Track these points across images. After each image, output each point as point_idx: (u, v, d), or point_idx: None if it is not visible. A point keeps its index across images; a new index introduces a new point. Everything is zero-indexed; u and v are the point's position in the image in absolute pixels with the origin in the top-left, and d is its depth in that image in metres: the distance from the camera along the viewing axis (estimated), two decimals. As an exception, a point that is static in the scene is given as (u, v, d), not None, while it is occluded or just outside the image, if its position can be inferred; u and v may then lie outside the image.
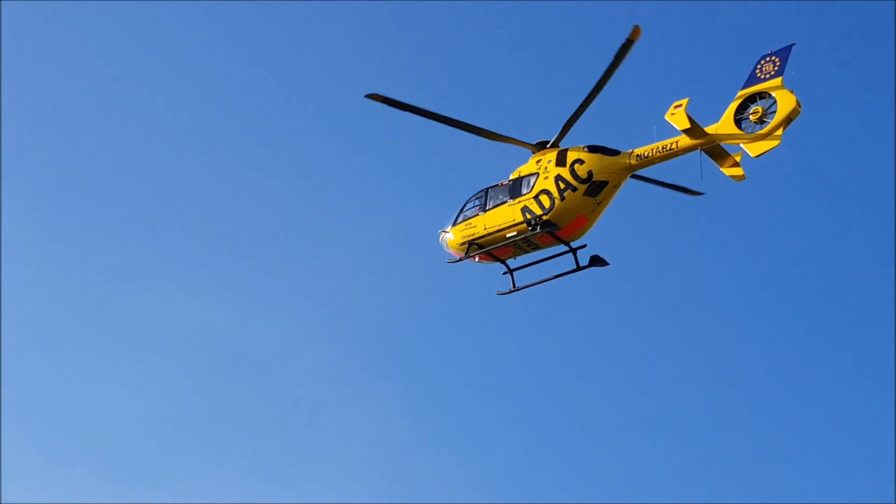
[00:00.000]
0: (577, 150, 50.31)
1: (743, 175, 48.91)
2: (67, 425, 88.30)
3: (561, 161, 50.36)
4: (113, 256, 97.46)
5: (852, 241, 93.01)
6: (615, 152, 49.85)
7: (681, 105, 47.38)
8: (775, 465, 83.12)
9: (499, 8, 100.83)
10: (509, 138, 51.69)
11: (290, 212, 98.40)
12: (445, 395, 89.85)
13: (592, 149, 50.16)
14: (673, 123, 47.39)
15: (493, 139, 51.61)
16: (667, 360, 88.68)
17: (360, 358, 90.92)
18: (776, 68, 47.20)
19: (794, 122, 46.91)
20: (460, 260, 52.26)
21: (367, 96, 50.25)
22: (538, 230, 49.88)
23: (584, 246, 51.14)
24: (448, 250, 53.27)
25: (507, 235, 50.97)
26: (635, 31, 45.72)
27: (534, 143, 51.73)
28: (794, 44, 47.40)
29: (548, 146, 51.18)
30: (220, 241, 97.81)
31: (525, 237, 50.56)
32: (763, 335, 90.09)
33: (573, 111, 49.32)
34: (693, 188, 52.36)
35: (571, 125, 49.97)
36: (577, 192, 49.82)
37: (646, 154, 49.11)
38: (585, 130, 50.57)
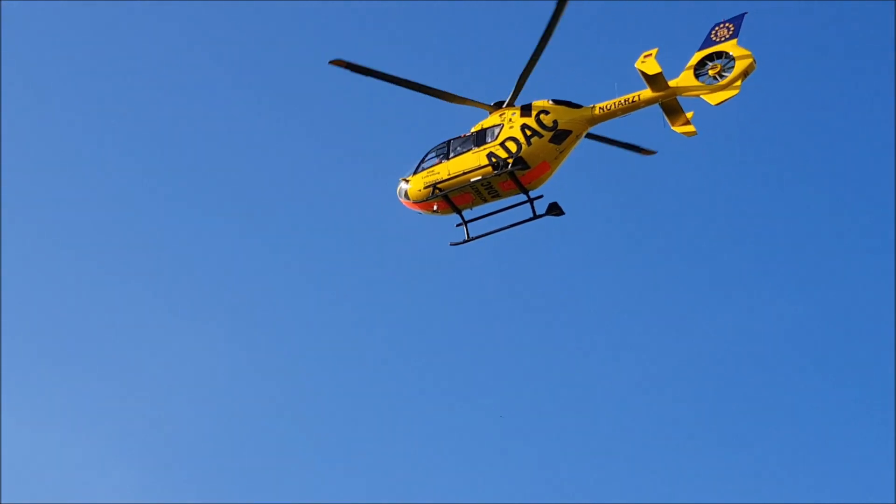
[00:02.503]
0: (542, 102, 53.83)
1: (695, 131, 53.00)
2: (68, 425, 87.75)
3: (526, 112, 53.75)
4: (113, 256, 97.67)
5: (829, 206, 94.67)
6: (579, 105, 53.64)
7: (650, 54, 51.56)
8: (774, 465, 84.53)
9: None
10: (467, 99, 54.82)
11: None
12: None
13: (557, 102, 53.73)
14: (643, 70, 51.19)
15: (451, 101, 54.61)
16: (622, 315, 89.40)
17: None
18: (730, 33, 52.06)
19: (750, 75, 51.82)
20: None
21: (331, 62, 53.13)
22: (509, 167, 52.72)
23: (541, 196, 54.19)
24: (404, 200, 55.42)
25: (472, 179, 53.64)
26: None
27: (491, 103, 55.08)
28: (745, 13, 52.70)
29: (504, 105, 54.56)
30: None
31: (488, 181, 53.33)
32: (726, 292, 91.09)
33: (522, 69, 52.50)
34: (646, 147, 56.33)
35: (523, 83, 52.95)
36: (543, 138, 53.12)
37: (608, 107, 52.95)
38: (547, 90, 54.42)
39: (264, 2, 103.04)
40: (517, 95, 53.85)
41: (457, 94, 54.38)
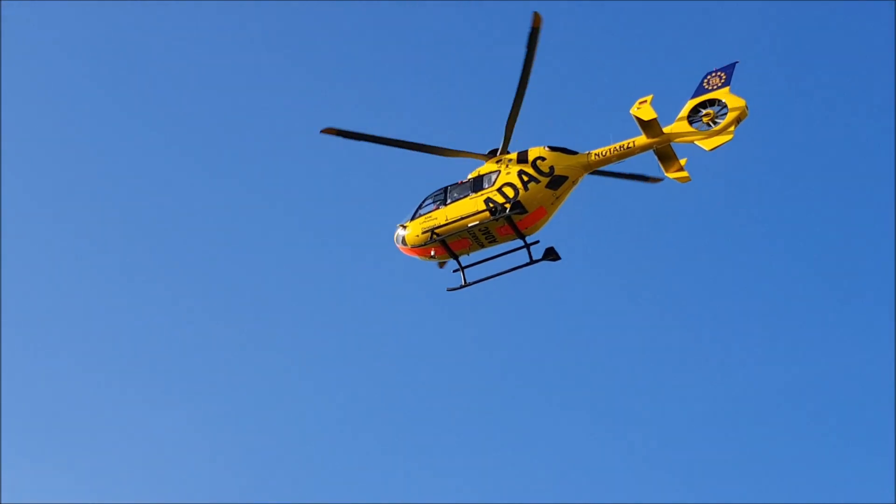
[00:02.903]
0: (539, 149, 54.74)
1: (688, 177, 53.96)
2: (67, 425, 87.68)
3: (522, 159, 54.61)
4: (112, 256, 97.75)
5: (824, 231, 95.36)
6: (574, 152, 54.56)
7: (645, 100, 52.58)
8: (774, 465, 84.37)
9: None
10: (461, 152, 55.74)
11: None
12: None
13: (553, 148, 54.64)
14: (638, 116, 52.15)
15: (446, 155, 55.56)
16: (616, 355, 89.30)
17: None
18: (722, 81, 53.23)
19: (743, 122, 52.89)
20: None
21: (322, 132, 54.35)
22: (507, 212, 53.46)
23: (538, 242, 54.88)
24: (402, 246, 56.02)
25: (470, 224, 54.34)
26: (536, 19, 50.27)
27: (486, 152, 55.94)
28: (737, 62, 53.92)
29: (498, 153, 55.43)
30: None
31: (486, 226, 54.04)
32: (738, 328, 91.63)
33: (508, 114, 53.33)
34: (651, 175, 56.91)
35: (511, 129, 53.83)
36: (539, 183, 53.95)
37: (604, 153, 53.88)
38: (543, 138, 55.37)
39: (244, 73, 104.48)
40: (508, 142, 54.71)
41: (450, 147, 55.31)
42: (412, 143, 54.85)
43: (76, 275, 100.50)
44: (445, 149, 55.30)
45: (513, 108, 53.05)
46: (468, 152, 55.70)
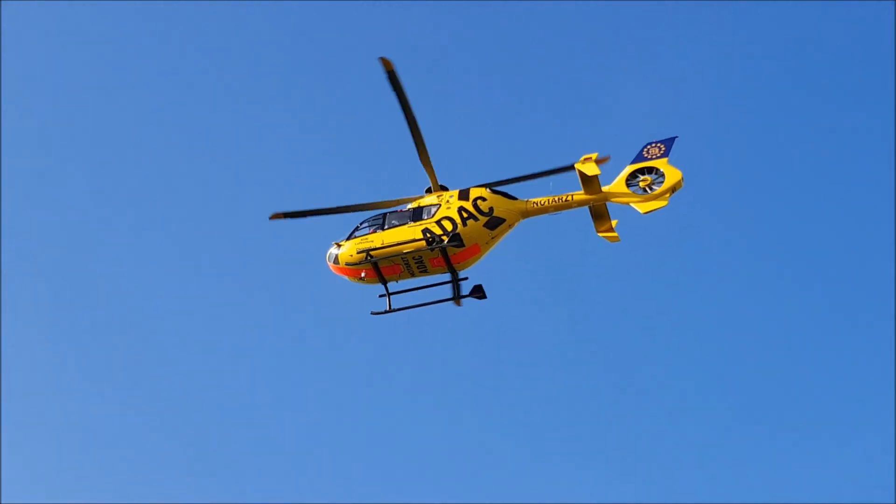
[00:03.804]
0: (480, 189, 56.75)
1: (618, 238, 56.43)
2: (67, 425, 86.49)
3: (464, 196, 56.53)
4: (111, 256, 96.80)
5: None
6: (514, 197, 56.65)
7: (591, 157, 55.07)
8: (773, 465, 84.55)
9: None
10: (401, 200, 57.61)
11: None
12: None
13: (494, 191, 56.75)
14: (582, 171, 54.50)
15: (388, 207, 57.55)
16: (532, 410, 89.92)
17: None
18: (661, 152, 56.09)
19: (678, 191, 55.65)
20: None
21: (271, 217, 58.12)
22: (444, 243, 55.13)
23: (466, 278, 56.64)
24: (333, 265, 57.11)
25: (405, 251, 55.84)
26: (385, 63, 52.76)
27: (423, 192, 57.77)
28: (676, 136, 56.82)
29: (433, 189, 57.19)
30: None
31: (420, 255, 55.62)
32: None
33: (416, 152, 55.50)
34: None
35: (429, 164, 55.98)
36: (478, 221, 55.86)
37: (541, 203, 56.10)
38: (485, 178, 57.39)
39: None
40: (434, 178, 56.77)
41: (389, 199, 57.34)
42: (354, 205, 57.22)
43: (76, 274, 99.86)
44: (388, 202, 57.35)
45: (417, 147, 55.24)
46: (407, 198, 57.51)
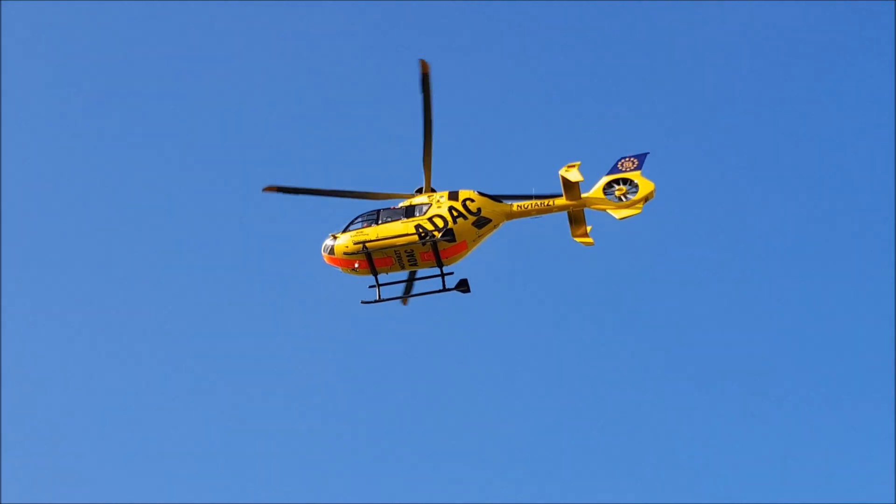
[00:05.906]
0: (469, 191, 61.18)
1: (592, 242, 61.22)
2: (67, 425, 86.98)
3: (453, 197, 60.95)
4: (111, 256, 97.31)
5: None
6: (500, 200, 61.18)
7: (574, 165, 59.82)
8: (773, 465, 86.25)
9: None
10: (392, 194, 61.86)
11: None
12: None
13: (482, 194, 61.24)
14: (566, 177, 59.27)
15: (377, 198, 61.68)
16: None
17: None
18: (634, 166, 61.12)
19: (650, 200, 60.57)
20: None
21: (264, 189, 61.01)
22: (438, 238, 59.36)
23: (452, 273, 60.95)
24: (327, 255, 60.93)
25: (398, 244, 59.93)
26: (423, 66, 57.53)
27: (413, 191, 62.03)
28: (648, 152, 61.80)
29: (423, 190, 61.51)
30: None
31: (412, 248, 59.78)
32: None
33: (422, 154, 59.76)
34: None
35: (429, 167, 60.28)
36: (467, 220, 60.32)
37: (525, 206, 60.73)
38: (473, 183, 61.88)
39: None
40: (429, 180, 61.02)
41: (379, 191, 61.41)
42: (346, 191, 60.92)
43: (75, 275, 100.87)
44: (377, 193, 61.40)
45: (424, 149, 59.44)
46: (397, 193, 61.66)
